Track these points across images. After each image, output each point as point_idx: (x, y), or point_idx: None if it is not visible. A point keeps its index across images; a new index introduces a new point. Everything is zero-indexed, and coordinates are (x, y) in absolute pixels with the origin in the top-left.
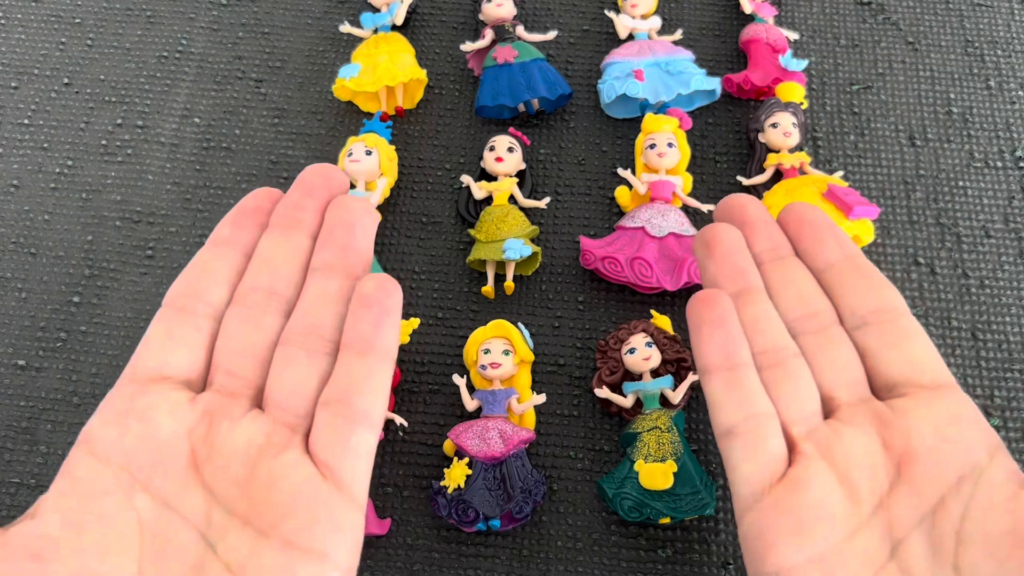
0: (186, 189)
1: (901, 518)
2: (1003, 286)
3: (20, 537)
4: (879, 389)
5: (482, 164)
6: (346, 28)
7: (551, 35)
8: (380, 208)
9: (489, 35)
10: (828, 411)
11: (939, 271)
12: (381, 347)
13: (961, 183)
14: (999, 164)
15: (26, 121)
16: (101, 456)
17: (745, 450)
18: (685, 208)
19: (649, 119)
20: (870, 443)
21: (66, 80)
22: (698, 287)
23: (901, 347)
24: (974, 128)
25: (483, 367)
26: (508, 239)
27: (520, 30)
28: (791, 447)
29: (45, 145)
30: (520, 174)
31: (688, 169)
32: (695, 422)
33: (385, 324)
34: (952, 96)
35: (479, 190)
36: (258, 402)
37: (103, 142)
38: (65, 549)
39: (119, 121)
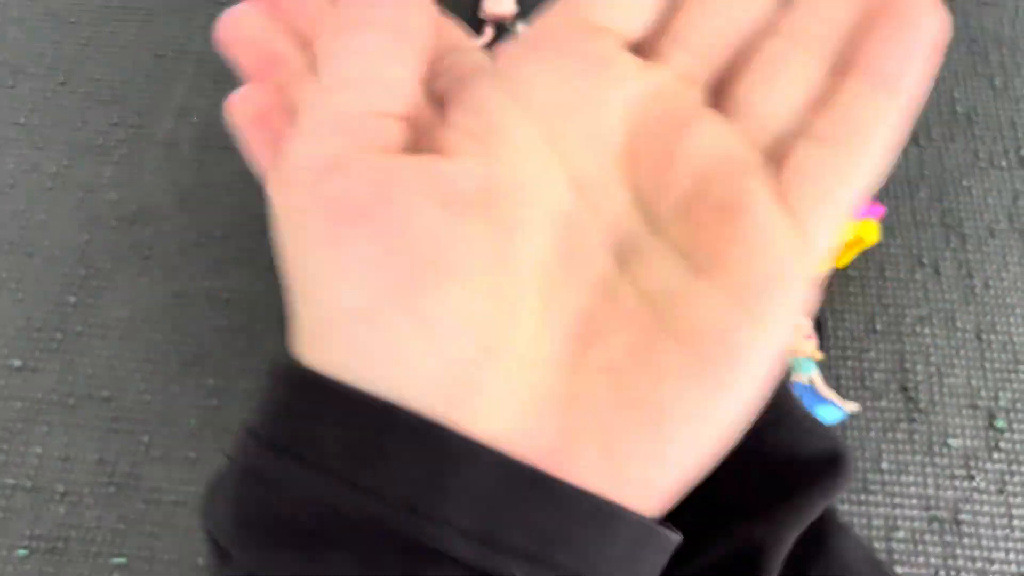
0: (183, 189)
1: None
2: (1008, 287)
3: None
4: None
5: None
6: None
7: None
8: None
9: (490, 32)
10: None
11: (943, 271)
12: (906, 88)
13: (965, 183)
14: (1004, 164)
15: (22, 120)
16: (523, 99)
17: None
18: None
19: None
20: None
21: (61, 79)
22: None
23: None
24: (979, 127)
25: None
26: None
27: (521, 27)
28: None
29: (40, 144)
30: None
31: None
32: None
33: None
34: (956, 95)
35: None
36: (718, 101)
37: (99, 141)
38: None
39: (115, 120)
